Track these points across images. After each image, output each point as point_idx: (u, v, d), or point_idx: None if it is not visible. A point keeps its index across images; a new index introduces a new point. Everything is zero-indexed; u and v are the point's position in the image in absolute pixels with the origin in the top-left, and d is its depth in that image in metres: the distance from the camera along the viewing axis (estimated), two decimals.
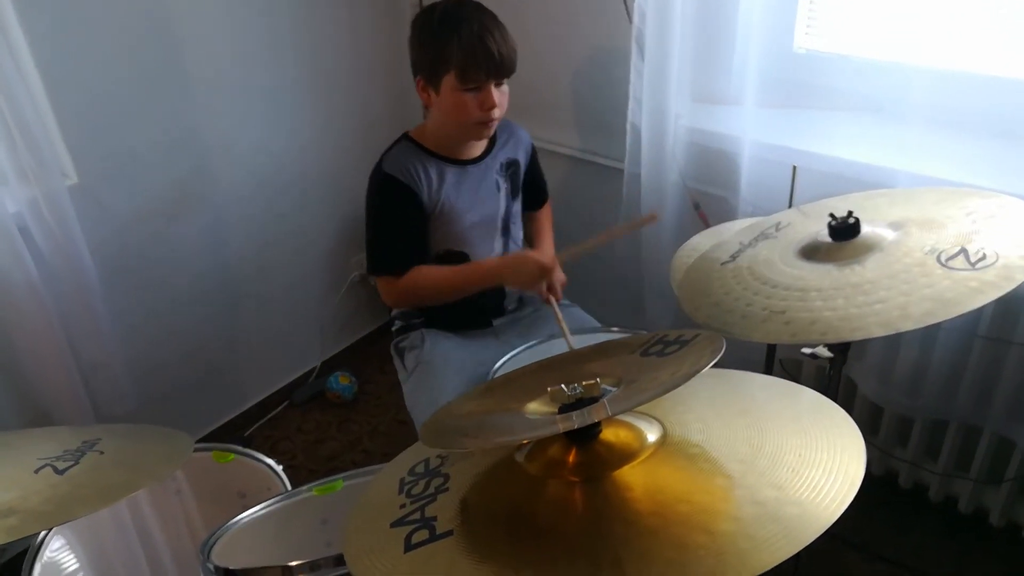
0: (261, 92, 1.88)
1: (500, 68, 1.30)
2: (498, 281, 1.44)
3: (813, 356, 1.11)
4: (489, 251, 1.50)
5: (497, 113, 1.35)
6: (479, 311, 1.52)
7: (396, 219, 1.39)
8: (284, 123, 1.96)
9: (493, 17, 1.33)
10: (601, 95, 1.84)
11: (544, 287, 1.39)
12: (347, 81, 2.06)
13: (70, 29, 1.50)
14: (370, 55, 2.08)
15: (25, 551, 1.08)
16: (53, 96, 1.50)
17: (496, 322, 1.54)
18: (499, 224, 1.50)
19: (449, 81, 1.31)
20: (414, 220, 1.40)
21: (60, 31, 1.49)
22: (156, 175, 1.73)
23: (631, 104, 1.66)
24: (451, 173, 1.42)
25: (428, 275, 1.41)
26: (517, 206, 1.54)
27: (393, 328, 1.57)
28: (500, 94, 1.34)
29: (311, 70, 1.97)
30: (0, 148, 1.42)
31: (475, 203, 1.45)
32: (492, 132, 1.42)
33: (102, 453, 0.96)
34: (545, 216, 1.66)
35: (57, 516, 0.85)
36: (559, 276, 1.43)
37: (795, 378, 1.75)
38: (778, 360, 1.66)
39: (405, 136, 1.45)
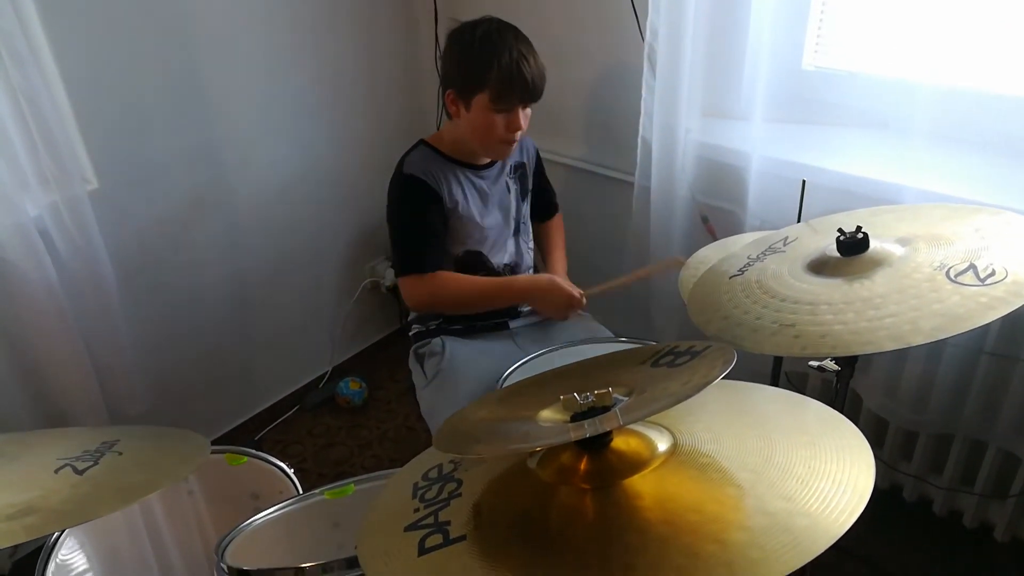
0: (280, 103, 1.91)
1: (532, 94, 1.37)
2: (525, 302, 1.50)
3: (821, 369, 1.12)
4: (503, 251, 1.54)
5: (520, 135, 1.41)
6: (494, 312, 1.54)
7: (420, 218, 1.42)
8: (301, 133, 1.98)
9: (528, 43, 1.39)
10: (613, 109, 1.86)
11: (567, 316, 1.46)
12: (363, 94, 2.09)
13: (93, 38, 1.53)
14: (386, 69, 2.11)
15: (37, 551, 1.09)
16: (76, 103, 1.53)
17: (512, 324, 1.56)
18: (512, 225, 1.55)
19: (482, 100, 1.36)
20: (437, 219, 1.43)
21: (84, 40, 1.52)
22: (175, 182, 1.75)
23: (642, 118, 1.68)
24: (467, 177, 1.47)
25: (456, 281, 1.45)
26: (526, 208, 1.59)
27: (411, 333, 1.59)
28: (524, 116, 1.40)
29: (329, 82, 2.00)
30: (22, 153, 1.44)
31: (490, 205, 1.50)
32: (513, 151, 1.48)
33: (121, 454, 0.98)
34: (556, 231, 1.69)
35: (77, 516, 0.86)
36: (583, 303, 1.48)
37: (801, 390, 1.75)
38: (784, 373, 1.67)
39: (422, 142, 1.49)
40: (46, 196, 1.48)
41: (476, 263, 1.51)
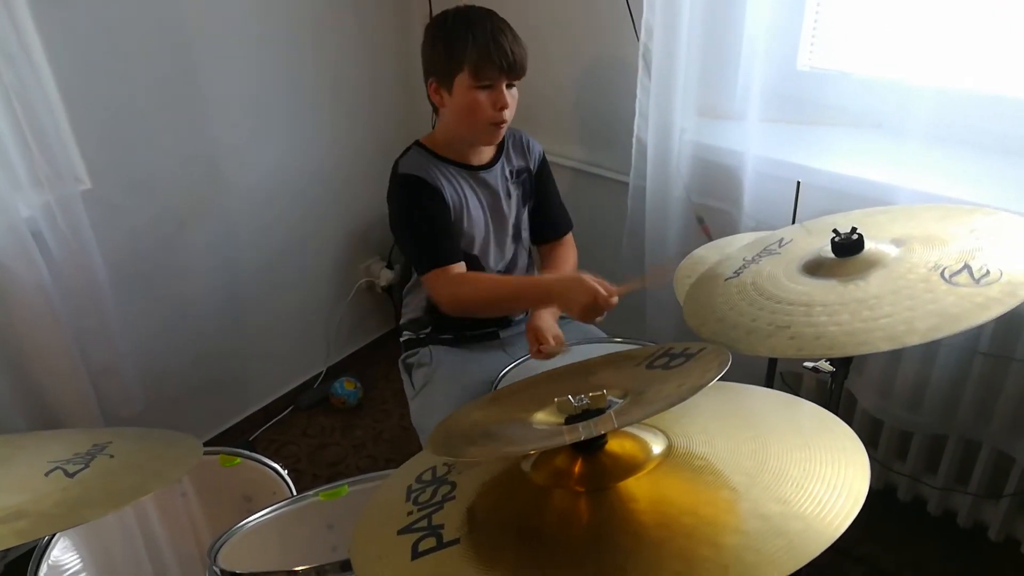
0: (274, 103, 1.90)
1: (513, 67, 1.33)
2: (548, 301, 1.35)
3: (815, 370, 1.12)
4: (501, 256, 1.52)
5: (508, 114, 1.37)
6: (485, 321, 1.52)
7: (426, 214, 1.38)
8: (295, 133, 1.98)
9: (506, 23, 1.36)
10: (607, 109, 1.86)
11: (592, 320, 1.23)
12: (358, 94, 2.08)
13: (87, 39, 1.52)
14: (381, 69, 2.11)
15: (29, 552, 1.08)
16: (69, 103, 1.52)
17: (503, 334, 1.55)
18: (510, 230, 1.52)
19: (463, 80, 1.33)
20: (443, 214, 1.40)
21: (77, 41, 1.51)
22: (169, 182, 1.75)
23: (637, 118, 1.68)
24: (462, 178, 1.44)
25: (476, 279, 1.39)
26: (527, 213, 1.54)
27: (401, 339, 1.58)
28: (510, 96, 1.36)
29: (324, 82, 1.99)
30: (15, 154, 1.44)
31: (487, 208, 1.47)
32: (502, 135, 1.43)
33: (112, 456, 0.97)
34: (564, 256, 1.56)
35: (67, 519, 0.85)
36: (611, 302, 1.21)
37: (795, 391, 1.75)
38: (779, 373, 1.68)
39: (417, 143, 1.48)
40: (39, 196, 1.47)
41: (470, 266, 1.47)
